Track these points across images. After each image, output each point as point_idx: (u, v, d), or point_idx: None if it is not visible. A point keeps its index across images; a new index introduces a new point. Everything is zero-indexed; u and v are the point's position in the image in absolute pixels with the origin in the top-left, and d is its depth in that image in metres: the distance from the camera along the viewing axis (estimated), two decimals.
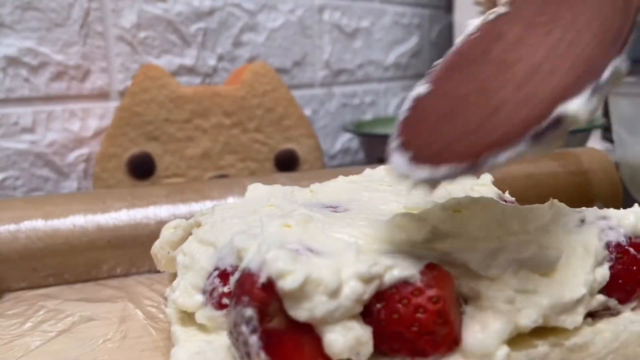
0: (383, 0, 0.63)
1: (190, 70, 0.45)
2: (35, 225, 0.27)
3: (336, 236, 0.18)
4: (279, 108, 0.41)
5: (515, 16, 0.18)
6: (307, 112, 0.55)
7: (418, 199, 0.22)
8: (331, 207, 0.22)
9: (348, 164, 0.60)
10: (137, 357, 0.21)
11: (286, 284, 0.14)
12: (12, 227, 0.27)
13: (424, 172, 0.15)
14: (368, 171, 0.28)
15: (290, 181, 0.31)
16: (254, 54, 0.50)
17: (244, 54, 0.49)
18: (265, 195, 0.24)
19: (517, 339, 0.16)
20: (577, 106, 0.14)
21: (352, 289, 0.15)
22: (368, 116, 0.63)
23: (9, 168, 0.37)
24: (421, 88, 0.17)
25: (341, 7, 0.57)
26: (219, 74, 0.47)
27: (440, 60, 0.18)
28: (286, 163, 0.42)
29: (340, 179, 0.26)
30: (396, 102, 0.67)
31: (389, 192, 0.23)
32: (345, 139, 0.60)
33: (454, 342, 0.16)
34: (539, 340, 0.17)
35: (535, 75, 0.16)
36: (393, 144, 0.16)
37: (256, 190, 0.25)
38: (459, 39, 0.18)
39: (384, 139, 0.47)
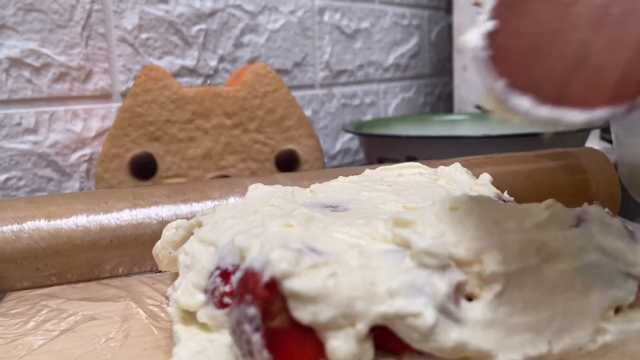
0: (383, 1, 0.63)
1: (192, 72, 0.45)
2: (38, 225, 0.28)
3: (337, 236, 0.18)
4: (279, 109, 0.41)
5: None
6: (308, 112, 0.55)
7: (416, 198, 0.23)
8: (331, 206, 0.22)
9: (348, 164, 0.60)
10: (140, 356, 0.21)
11: (297, 285, 0.15)
12: (15, 227, 0.27)
13: (575, 114, 0.14)
14: (368, 171, 0.28)
15: (290, 181, 0.32)
16: (255, 55, 0.50)
17: (244, 55, 0.49)
18: (266, 195, 0.24)
19: None
20: None
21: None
22: (368, 116, 0.63)
23: (12, 169, 0.37)
24: (486, 25, 0.15)
25: (341, 9, 0.58)
26: (220, 74, 0.47)
27: None
28: (287, 163, 0.42)
29: (340, 179, 0.26)
30: (396, 103, 0.67)
31: (388, 192, 0.24)
32: (345, 139, 0.60)
33: None
34: None
35: (606, 18, 0.15)
36: (491, 80, 0.15)
37: (257, 190, 0.26)
38: None
39: (384, 139, 0.47)
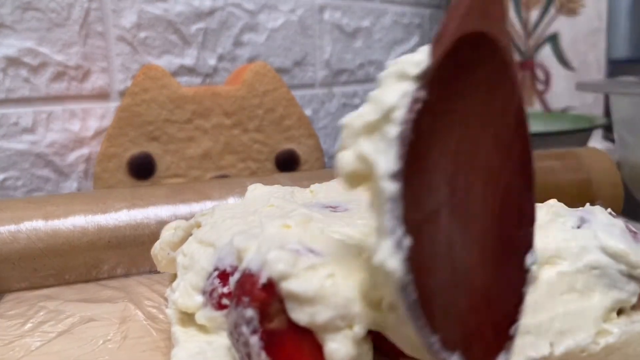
0: (383, 0, 0.63)
1: (191, 71, 0.45)
2: (36, 225, 0.28)
3: (336, 237, 0.18)
4: (279, 108, 0.41)
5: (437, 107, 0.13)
6: (308, 112, 0.55)
7: None
8: (331, 207, 0.22)
9: None
10: (138, 358, 0.21)
11: (295, 286, 0.14)
12: (12, 227, 0.27)
13: None
14: None
15: (290, 181, 0.31)
16: (255, 54, 0.50)
17: (244, 54, 0.49)
18: (266, 195, 0.24)
19: None
20: None
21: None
22: None
23: (10, 168, 0.37)
24: (404, 241, 0.12)
25: (341, 7, 0.57)
26: (220, 74, 0.47)
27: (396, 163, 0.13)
28: (287, 163, 0.42)
29: None
30: None
31: None
32: None
33: None
34: None
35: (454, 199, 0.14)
36: (427, 334, 0.13)
37: (256, 190, 0.25)
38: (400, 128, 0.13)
39: None
